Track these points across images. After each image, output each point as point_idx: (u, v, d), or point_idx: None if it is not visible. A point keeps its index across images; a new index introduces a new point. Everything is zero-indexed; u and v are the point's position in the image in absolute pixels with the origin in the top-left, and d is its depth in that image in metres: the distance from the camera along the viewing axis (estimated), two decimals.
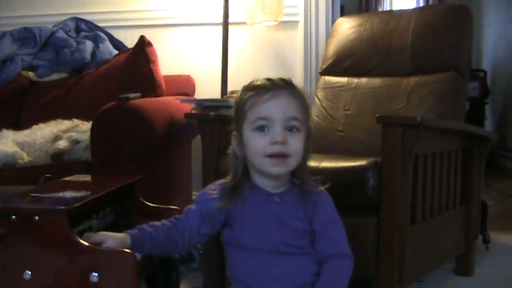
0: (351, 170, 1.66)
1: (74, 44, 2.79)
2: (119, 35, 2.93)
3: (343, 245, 1.20)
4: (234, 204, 1.20)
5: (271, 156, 1.15)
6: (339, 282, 1.17)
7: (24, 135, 2.31)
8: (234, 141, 1.22)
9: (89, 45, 2.79)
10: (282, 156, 1.15)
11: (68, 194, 1.31)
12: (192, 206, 1.25)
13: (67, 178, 1.62)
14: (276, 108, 1.16)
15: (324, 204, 1.21)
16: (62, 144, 2.15)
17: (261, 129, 1.16)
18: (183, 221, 1.23)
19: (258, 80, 1.21)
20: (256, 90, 1.18)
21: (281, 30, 2.86)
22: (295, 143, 1.16)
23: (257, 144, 1.16)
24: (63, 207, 1.19)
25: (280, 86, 1.18)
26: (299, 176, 1.20)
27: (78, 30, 2.92)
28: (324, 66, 2.51)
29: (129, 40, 2.79)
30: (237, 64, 2.86)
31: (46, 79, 2.79)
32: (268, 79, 1.20)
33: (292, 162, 1.17)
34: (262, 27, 2.79)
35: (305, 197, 1.18)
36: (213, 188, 1.24)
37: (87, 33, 2.88)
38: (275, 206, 1.20)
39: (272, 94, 1.17)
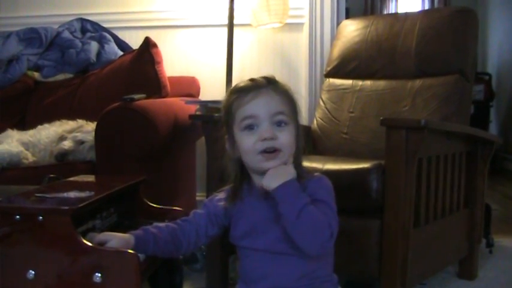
0: (355, 173, 1.66)
1: (80, 44, 2.80)
2: (124, 35, 2.94)
3: (331, 220, 1.12)
4: (235, 205, 1.23)
5: (263, 152, 1.16)
6: (311, 213, 1.10)
7: (29, 135, 2.32)
8: (227, 145, 1.24)
9: (94, 45, 2.80)
10: (273, 151, 1.16)
11: (72, 194, 1.32)
12: (199, 210, 1.28)
13: (71, 178, 1.63)
14: (260, 106, 1.17)
15: (316, 186, 1.19)
16: (67, 144, 2.15)
17: (249, 128, 1.18)
18: (190, 222, 1.26)
19: (241, 82, 1.24)
20: (239, 92, 1.21)
21: (286, 32, 2.86)
22: (285, 137, 1.17)
23: (247, 143, 1.17)
24: (67, 207, 1.19)
25: (262, 85, 1.20)
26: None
27: (83, 30, 2.93)
28: (328, 69, 2.51)
29: (134, 41, 2.80)
30: (242, 65, 2.87)
31: (51, 79, 2.80)
32: (251, 79, 1.23)
33: (285, 155, 1.17)
34: (267, 29, 2.79)
35: (302, 188, 1.17)
36: (220, 193, 1.28)
37: (93, 34, 2.89)
38: (272, 204, 1.19)
39: (255, 93, 1.18)
